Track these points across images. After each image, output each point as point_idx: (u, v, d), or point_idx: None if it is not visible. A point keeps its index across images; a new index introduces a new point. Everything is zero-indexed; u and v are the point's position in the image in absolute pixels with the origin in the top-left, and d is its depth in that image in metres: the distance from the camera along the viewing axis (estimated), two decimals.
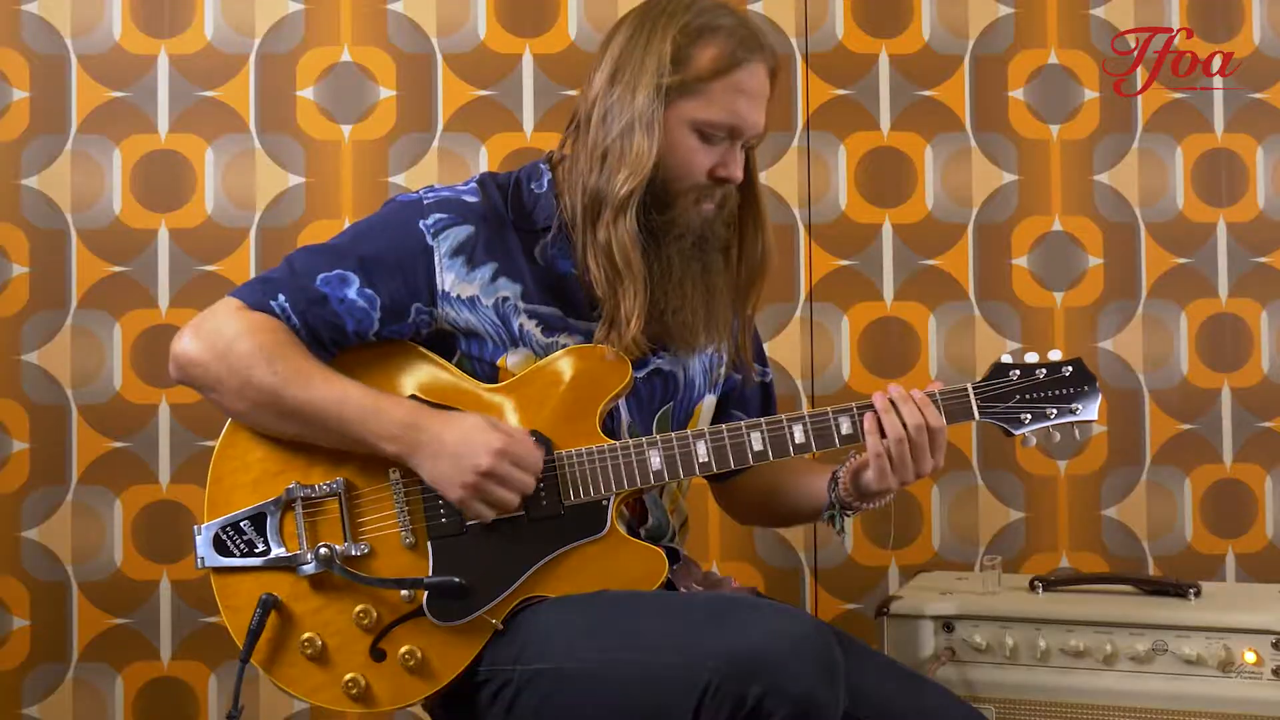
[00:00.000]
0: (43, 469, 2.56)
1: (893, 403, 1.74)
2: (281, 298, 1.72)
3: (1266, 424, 2.69)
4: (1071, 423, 1.78)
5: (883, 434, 1.73)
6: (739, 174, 1.79)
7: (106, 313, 2.56)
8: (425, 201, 1.78)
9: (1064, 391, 1.78)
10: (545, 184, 1.82)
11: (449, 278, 1.75)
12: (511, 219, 1.80)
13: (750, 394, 1.99)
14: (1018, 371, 1.79)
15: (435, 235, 1.76)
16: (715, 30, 1.74)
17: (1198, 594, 2.11)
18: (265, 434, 1.74)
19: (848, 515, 1.85)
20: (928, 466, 1.74)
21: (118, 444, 2.56)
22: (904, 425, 1.72)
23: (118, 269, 2.57)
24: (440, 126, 2.62)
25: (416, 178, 2.59)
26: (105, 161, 2.57)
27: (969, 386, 1.77)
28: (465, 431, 1.68)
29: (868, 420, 1.74)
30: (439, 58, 2.62)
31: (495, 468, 1.66)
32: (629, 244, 1.73)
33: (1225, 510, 2.69)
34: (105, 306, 2.56)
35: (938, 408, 1.75)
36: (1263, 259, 2.70)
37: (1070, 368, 1.79)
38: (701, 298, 1.80)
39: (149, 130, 2.58)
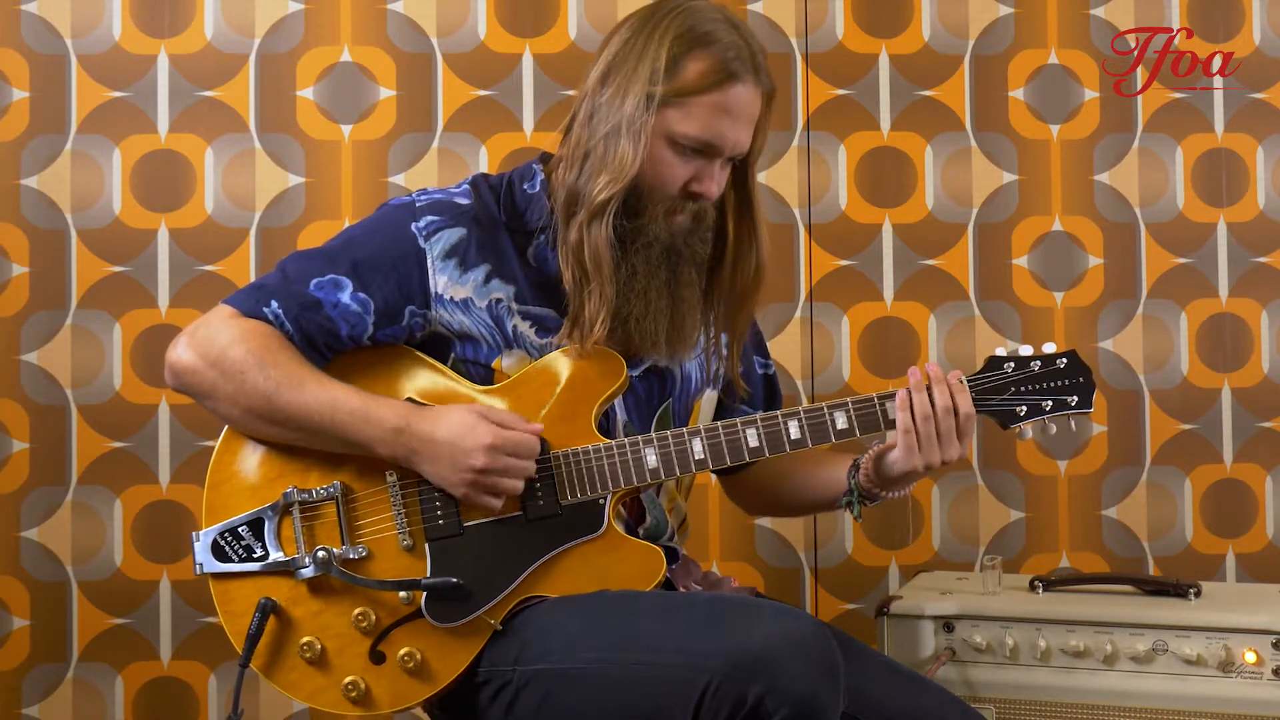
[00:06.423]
0: (43, 469, 2.56)
1: (927, 384, 1.74)
2: (275, 304, 1.72)
3: (1266, 424, 2.69)
4: (1067, 414, 1.78)
5: (912, 412, 1.73)
6: (715, 191, 1.76)
7: (106, 313, 2.56)
8: (417, 204, 1.78)
9: (1059, 383, 1.78)
10: (538, 184, 1.81)
11: (442, 280, 1.75)
12: (504, 220, 1.80)
13: (754, 389, 1.99)
14: (1012, 364, 1.78)
15: (427, 238, 1.75)
16: (711, 44, 1.71)
17: (1198, 594, 2.11)
18: (261, 440, 1.74)
19: (867, 503, 1.85)
20: (954, 452, 1.74)
21: (118, 444, 2.56)
22: (932, 405, 1.72)
23: (118, 269, 2.57)
24: (440, 126, 2.61)
25: (416, 178, 2.59)
26: (105, 161, 2.57)
27: (963, 379, 1.77)
28: (455, 431, 1.68)
29: (899, 397, 1.74)
30: (439, 58, 2.62)
31: (490, 464, 1.66)
32: (601, 248, 1.72)
33: (1225, 510, 2.69)
34: (105, 306, 2.56)
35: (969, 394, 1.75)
36: (1263, 259, 2.70)
37: (1065, 359, 1.78)
38: (666, 308, 1.78)
39: (149, 130, 2.58)
